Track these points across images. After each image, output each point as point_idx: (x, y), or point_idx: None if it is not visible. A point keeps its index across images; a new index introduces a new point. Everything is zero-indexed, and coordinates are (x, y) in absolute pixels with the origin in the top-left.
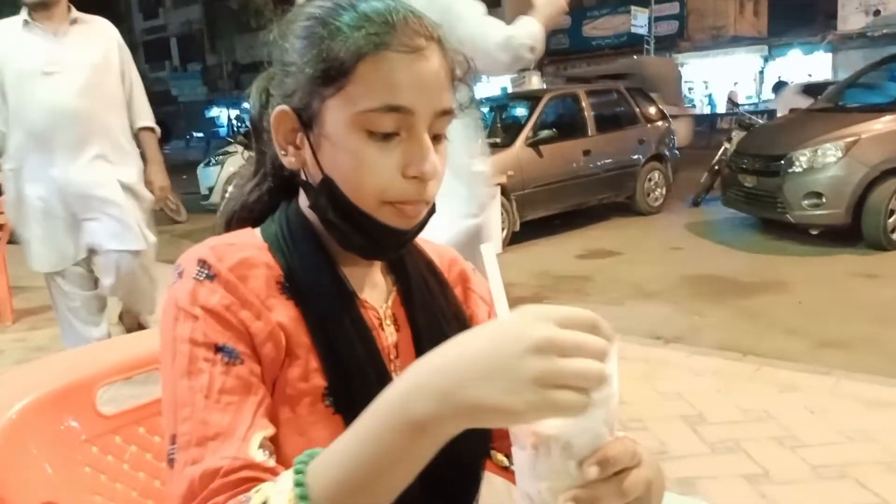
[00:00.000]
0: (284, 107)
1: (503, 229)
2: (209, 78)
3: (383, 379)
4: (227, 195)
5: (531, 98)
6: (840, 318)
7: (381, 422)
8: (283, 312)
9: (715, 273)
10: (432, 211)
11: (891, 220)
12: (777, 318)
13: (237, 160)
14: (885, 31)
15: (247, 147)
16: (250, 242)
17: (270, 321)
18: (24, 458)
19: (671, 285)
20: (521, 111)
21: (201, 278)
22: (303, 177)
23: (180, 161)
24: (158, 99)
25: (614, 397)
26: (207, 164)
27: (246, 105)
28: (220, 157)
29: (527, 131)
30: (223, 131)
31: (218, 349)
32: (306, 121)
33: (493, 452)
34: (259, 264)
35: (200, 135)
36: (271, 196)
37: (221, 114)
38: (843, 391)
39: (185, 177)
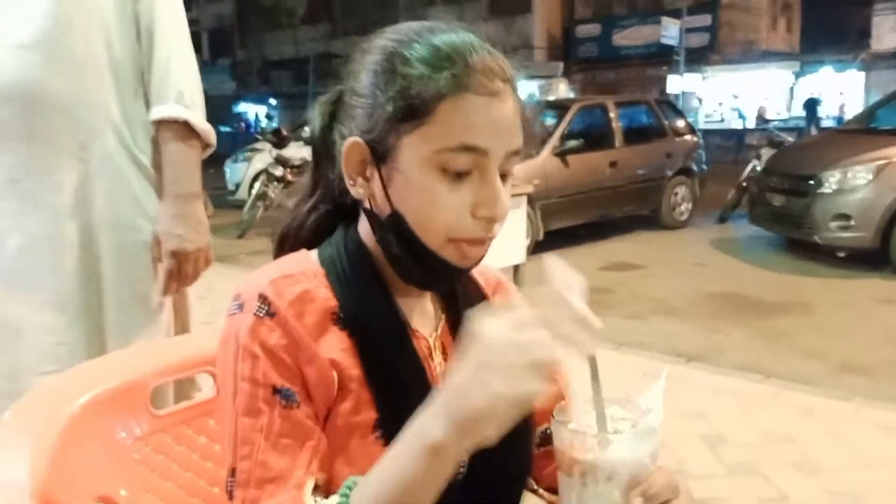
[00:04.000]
0: (358, 139)
1: (527, 238)
2: (238, 73)
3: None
4: (257, 203)
5: (559, 107)
6: (863, 342)
7: (406, 448)
8: (336, 345)
9: (738, 291)
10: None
11: None
12: (799, 340)
13: (265, 157)
14: None
15: (275, 145)
16: (308, 270)
17: (323, 364)
18: (81, 454)
19: (694, 302)
20: (548, 120)
21: (261, 315)
22: (368, 206)
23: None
24: None
25: (658, 431)
26: (235, 160)
27: (273, 101)
28: (248, 153)
29: (554, 140)
30: (250, 127)
31: (276, 391)
32: (379, 154)
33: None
34: (315, 298)
35: (227, 129)
36: (330, 219)
37: (249, 110)
38: (864, 417)
39: (211, 171)
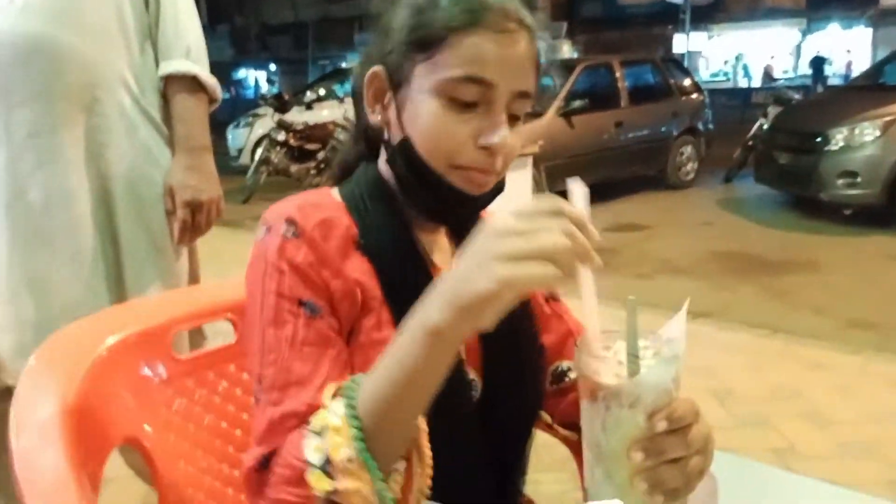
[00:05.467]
0: (378, 67)
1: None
2: (237, 39)
3: None
4: (261, 168)
5: (564, 67)
6: (870, 299)
7: (407, 336)
8: (359, 268)
9: (745, 250)
10: (500, 187)
11: None
12: (807, 297)
13: (267, 122)
14: None
15: (277, 109)
16: (330, 203)
17: (348, 279)
18: (109, 395)
19: (701, 261)
20: (553, 80)
21: (289, 235)
22: (385, 136)
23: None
24: None
25: (680, 359)
26: (237, 126)
27: (273, 67)
28: (250, 118)
29: (558, 101)
30: (250, 92)
31: (301, 303)
32: (396, 82)
33: (541, 413)
34: (338, 224)
35: (227, 96)
36: (359, 157)
37: (248, 75)
38: (871, 371)
39: (213, 137)
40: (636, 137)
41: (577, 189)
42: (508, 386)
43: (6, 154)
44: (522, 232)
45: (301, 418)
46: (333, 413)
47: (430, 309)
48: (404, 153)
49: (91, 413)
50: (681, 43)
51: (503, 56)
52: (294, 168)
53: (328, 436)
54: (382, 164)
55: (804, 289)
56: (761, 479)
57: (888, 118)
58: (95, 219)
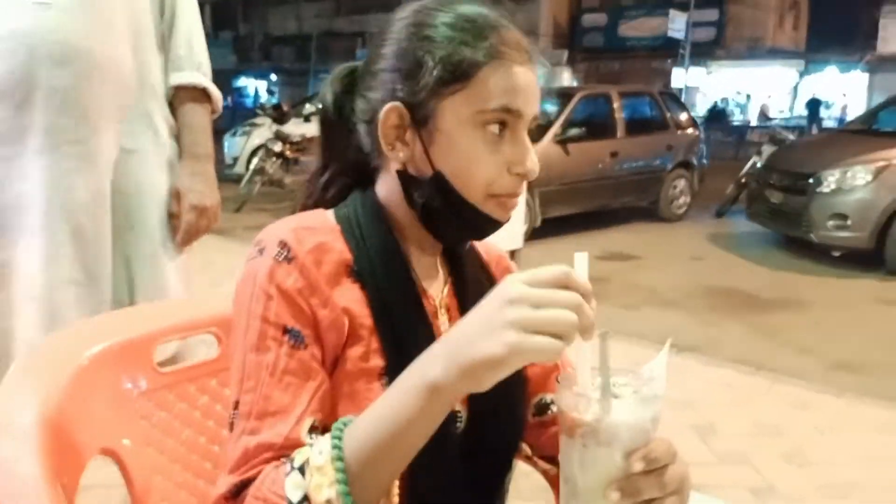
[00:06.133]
0: (396, 104)
1: (525, 224)
2: (240, 47)
3: None
4: (255, 178)
5: (563, 95)
6: (856, 341)
7: (404, 386)
8: (350, 295)
9: (734, 286)
10: None
11: None
12: (793, 336)
13: (264, 132)
14: None
15: (275, 120)
16: (325, 225)
17: (336, 308)
18: (88, 406)
19: (689, 294)
20: (551, 107)
21: (280, 259)
22: (403, 169)
23: None
24: None
25: (660, 399)
26: (234, 134)
27: (274, 77)
28: (247, 127)
29: (556, 128)
30: (249, 101)
31: (286, 331)
32: (419, 118)
33: (521, 444)
34: (332, 249)
35: (226, 103)
36: (347, 189)
37: (249, 84)
38: (854, 413)
39: None
40: (630, 168)
41: (581, 260)
42: (492, 418)
43: (48, 160)
44: (535, 302)
45: (277, 451)
46: (318, 452)
47: (433, 365)
48: (439, 188)
49: (69, 423)
50: (679, 77)
51: (526, 85)
52: (289, 179)
53: (310, 474)
54: (382, 190)
55: (791, 328)
56: None
57: (880, 163)
58: (115, 222)
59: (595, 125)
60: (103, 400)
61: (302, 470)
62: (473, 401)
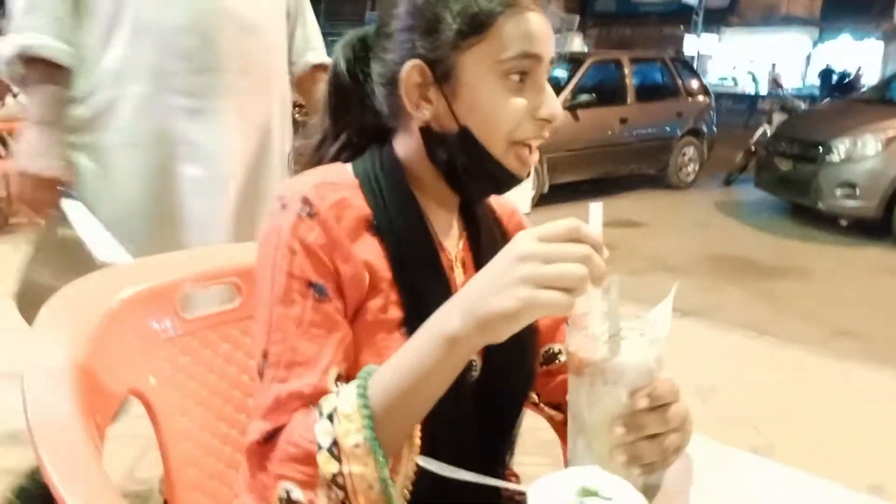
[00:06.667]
0: (417, 62)
1: (532, 189)
2: None
3: None
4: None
5: (573, 60)
6: (858, 309)
7: (424, 338)
8: (370, 249)
9: (739, 253)
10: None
11: None
12: (796, 303)
13: None
14: None
15: None
16: (345, 181)
17: (357, 262)
18: (117, 348)
19: (694, 261)
20: (561, 72)
21: (303, 215)
22: (427, 127)
23: None
24: None
25: (664, 341)
26: None
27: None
28: None
29: (566, 94)
30: None
31: (310, 285)
32: (441, 74)
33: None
34: (352, 205)
35: None
36: (362, 151)
37: None
38: (853, 378)
39: None
40: (640, 135)
41: (596, 211)
42: (506, 367)
43: (231, 116)
44: (546, 257)
45: (305, 400)
46: (345, 399)
47: (450, 317)
48: (465, 143)
49: (100, 364)
50: (692, 44)
51: (542, 29)
52: (297, 143)
53: (338, 421)
54: (400, 148)
55: (794, 295)
56: (736, 464)
57: (891, 133)
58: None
59: (605, 91)
60: (131, 343)
61: (331, 417)
62: (489, 351)
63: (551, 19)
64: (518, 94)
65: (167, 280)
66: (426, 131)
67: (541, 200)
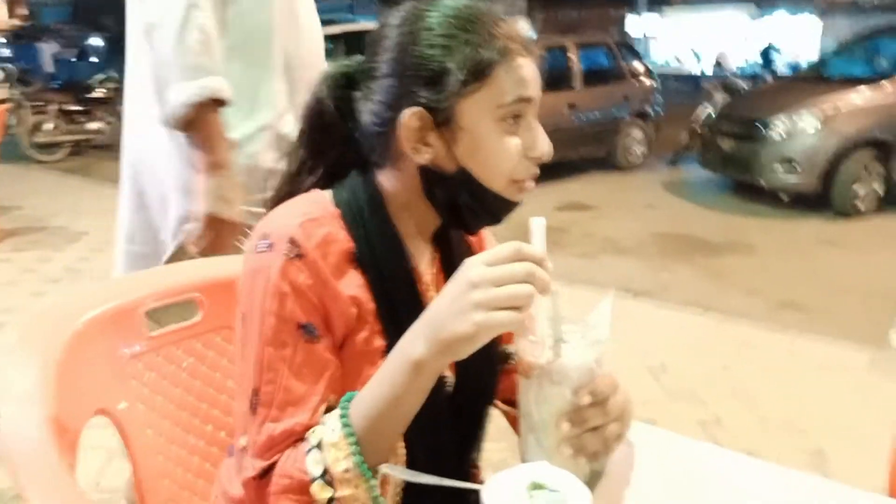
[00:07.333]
0: (418, 108)
1: None
2: None
3: None
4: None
5: None
6: (801, 281)
7: (394, 365)
8: (354, 283)
9: (686, 232)
10: None
11: (858, 190)
12: (741, 278)
13: None
14: (871, 4)
15: None
16: (326, 212)
17: (345, 299)
18: (84, 369)
19: (643, 241)
20: None
21: (292, 256)
22: (427, 167)
23: None
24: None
25: (604, 342)
26: None
27: None
28: None
29: None
30: None
31: (300, 326)
32: (441, 119)
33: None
34: (336, 239)
35: None
36: (339, 178)
37: None
38: (798, 350)
39: None
40: (588, 119)
41: (537, 225)
42: (477, 379)
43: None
44: (494, 281)
45: (297, 437)
46: (330, 429)
47: (414, 343)
48: (467, 184)
49: (68, 385)
50: (636, 25)
51: (533, 74)
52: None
53: (327, 450)
54: (386, 179)
55: (739, 270)
56: (678, 448)
57: (828, 109)
58: None
59: (553, 77)
60: (98, 362)
61: (319, 446)
62: (460, 366)
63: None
64: (513, 135)
65: (130, 299)
66: (426, 172)
67: None
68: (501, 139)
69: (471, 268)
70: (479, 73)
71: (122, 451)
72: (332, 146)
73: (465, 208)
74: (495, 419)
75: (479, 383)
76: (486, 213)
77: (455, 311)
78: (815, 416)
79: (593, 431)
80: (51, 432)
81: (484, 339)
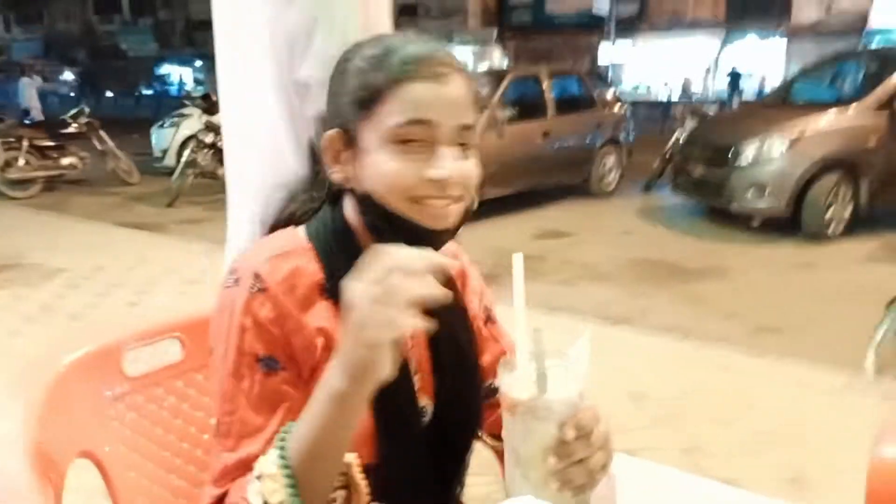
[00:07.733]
0: (334, 131)
1: None
2: (161, 34)
3: (403, 368)
4: (187, 170)
5: (494, 76)
6: (776, 304)
7: (320, 400)
8: (323, 314)
9: (662, 258)
10: (468, 212)
11: (828, 213)
12: (718, 302)
13: (193, 123)
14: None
15: (204, 111)
16: (297, 247)
17: (309, 332)
18: (66, 412)
19: (620, 268)
20: (482, 89)
21: (254, 291)
22: (348, 187)
23: (130, 119)
24: (107, 53)
25: (586, 375)
26: (161, 126)
27: (199, 63)
28: (176, 118)
29: (490, 111)
30: (174, 90)
31: (259, 359)
32: (349, 142)
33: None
34: (305, 273)
35: (150, 92)
36: (319, 207)
37: (173, 71)
38: (776, 373)
39: (136, 136)
40: (562, 147)
41: (517, 261)
42: (455, 408)
43: None
44: (375, 299)
45: (249, 467)
46: (269, 461)
47: (333, 378)
48: (369, 205)
49: (51, 429)
50: (606, 53)
51: (440, 96)
52: (221, 171)
53: (265, 482)
54: (348, 209)
55: (716, 295)
56: (658, 479)
57: (794, 134)
58: None
59: (526, 106)
60: (80, 405)
61: (259, 478)
62: (440, 397)
63: (471, 85)
64: (408, 157)
65: (111, 340)
66: (350, 191)
67: (470, 216)
68: (392, 160)
69: (353, 292)
70: (367, 98)
71: (104, 493)
72: (320, 179)
73: (373, 228)
74: (479, 452)
75: (460, 414)
76: (399, 234)
77: (351, 340)
78: (794, 438)
79: (579, 464)
80: (35, 478)
81: (386, 357)
